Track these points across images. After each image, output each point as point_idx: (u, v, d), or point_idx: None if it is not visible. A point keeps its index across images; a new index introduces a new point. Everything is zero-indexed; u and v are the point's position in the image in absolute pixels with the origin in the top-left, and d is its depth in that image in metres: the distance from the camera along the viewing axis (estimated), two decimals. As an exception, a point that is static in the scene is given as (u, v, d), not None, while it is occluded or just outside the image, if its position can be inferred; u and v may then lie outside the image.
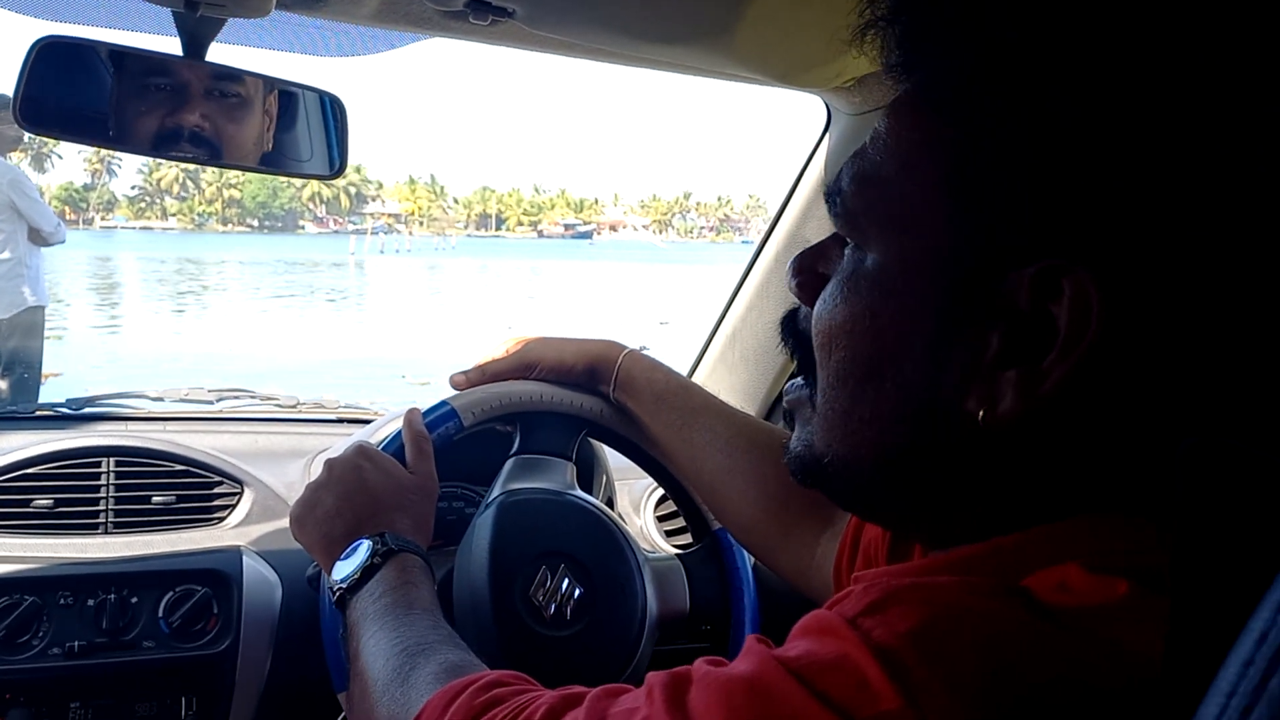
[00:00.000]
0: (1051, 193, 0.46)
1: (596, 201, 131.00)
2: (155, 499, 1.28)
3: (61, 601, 1.14)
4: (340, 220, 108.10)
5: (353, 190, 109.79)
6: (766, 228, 1.47)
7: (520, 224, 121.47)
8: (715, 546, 1.17)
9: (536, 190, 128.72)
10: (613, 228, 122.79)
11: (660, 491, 1.43)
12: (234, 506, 1.31)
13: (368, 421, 1.54)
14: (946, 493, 0.52)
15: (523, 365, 1.15)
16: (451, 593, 1.04)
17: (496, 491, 1.09)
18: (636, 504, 1.45)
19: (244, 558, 1.22)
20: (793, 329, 0.62)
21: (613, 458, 1.33)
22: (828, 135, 1.34)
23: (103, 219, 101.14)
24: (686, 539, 1.28)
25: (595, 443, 1.32)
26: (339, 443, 1.38)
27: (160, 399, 1.63)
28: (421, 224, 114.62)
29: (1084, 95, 0.45)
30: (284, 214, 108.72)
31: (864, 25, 0.53)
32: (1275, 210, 0.44)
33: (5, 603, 1.12)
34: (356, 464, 0.99)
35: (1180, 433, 0.37)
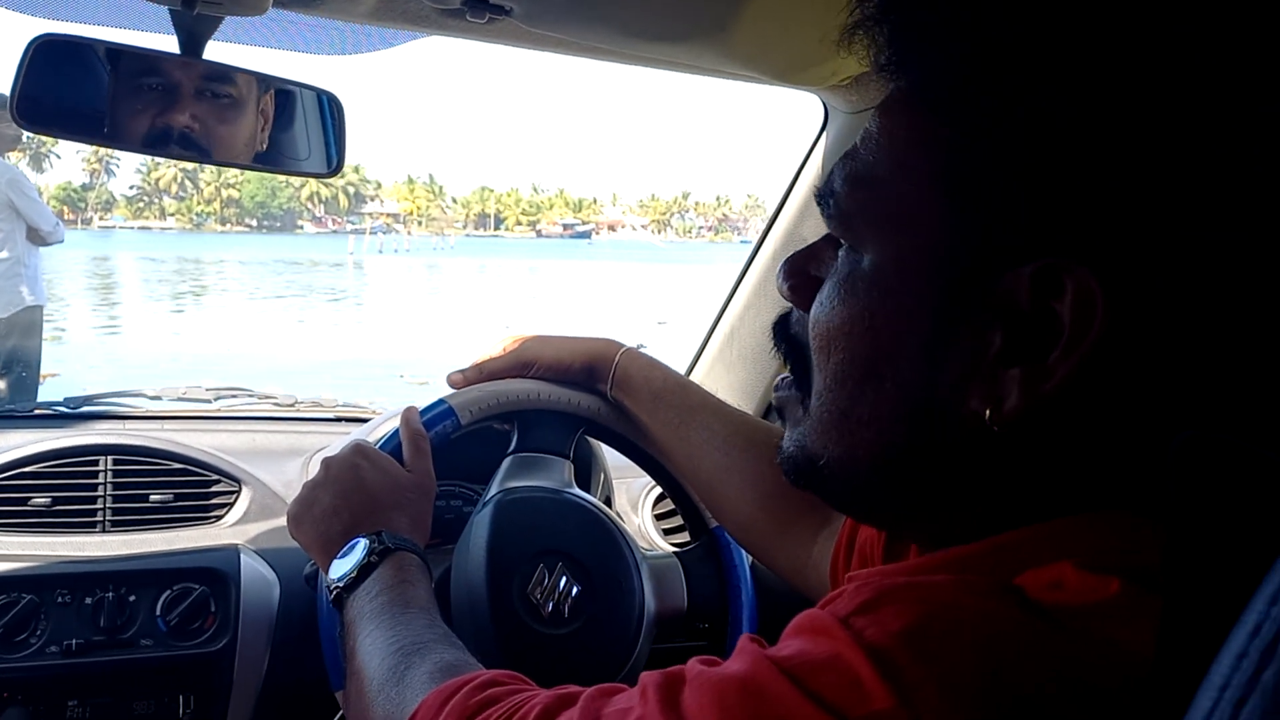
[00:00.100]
0: (1048, 190, 0.45)
1: (595, 201, 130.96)
2: (153, 497, 1.28)
3: (59, 600, 1.14)
4: (339, 220, 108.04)
5: (351, 190, 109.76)
6: (764, 227, 1.47)
7: (519, 224, 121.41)
8: (713, 545, 1.17)
9: (535, 190, 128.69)
10: (611, 227, 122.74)
11: (658, 490, 1.43)
12: (232, 505, 1.31)
13: (365, 420, 1.54)
14: (943, 492, 0.52)
15: (520, 363, 1.15)
16: (449, 591, 1.04)
17: (494, 490, 1.09)
18: (634, 502, 1.45)
19: (242, 556, 1.22)
20: (785, 333, 0.62)
21: (611, 456, 1.33)
22: (825, 134, 1.34)
23: (101, 219, 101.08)
24: (684, 537, 1.28)
25: (593, 441, 1.32)
26: (337, 441, 1.38)
27: (158, 398, 1.63)
28: (420, 224, 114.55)
29: (1078, 91, 0.45)
30: (282, 214, 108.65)
31: (853, 24, 0.53)
32: (1272, 203, 0.44)
33: (3, 601, 1.12)
34: (354, 462, 0.99)
35: (1180, 429, 0.38)
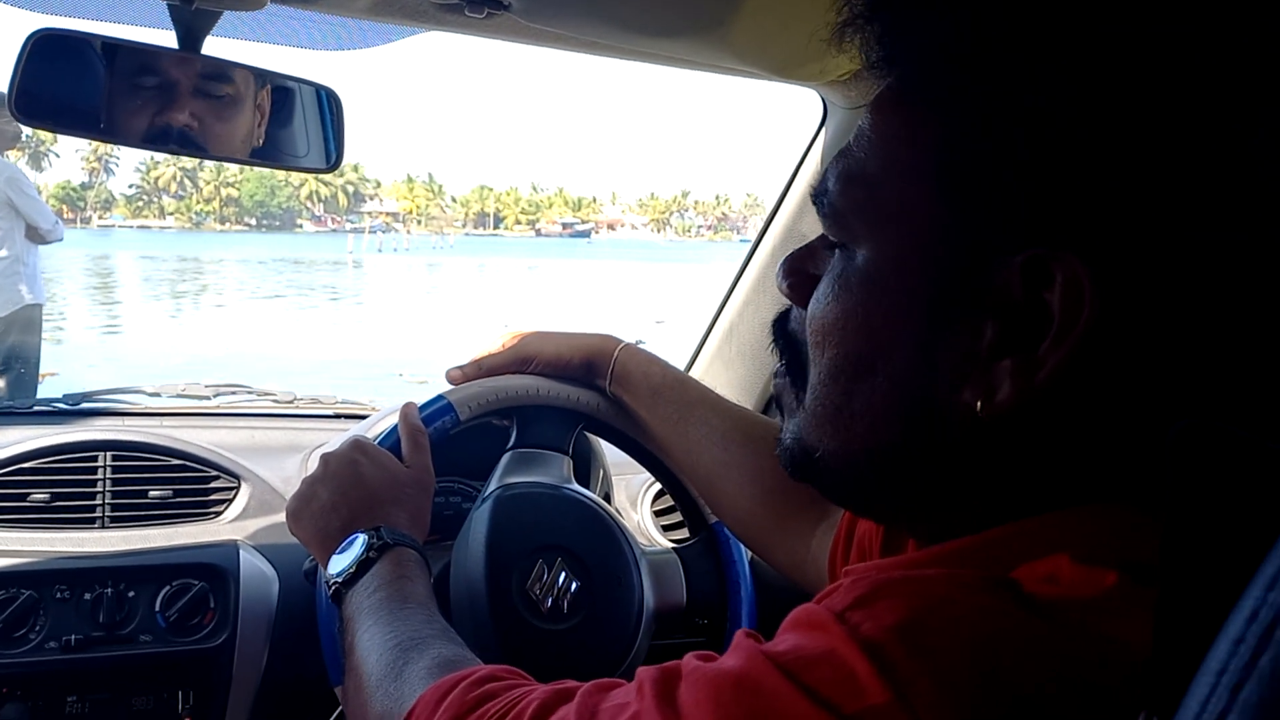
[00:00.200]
0: (1037, 181, 0.46)
1: (594, 200, 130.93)
2: (152, 493, 1.28)
3: (58, 595, 1.14)
4: (338, 219, 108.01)
5: (350, 189, 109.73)
6: (763, 223, 1.47)
7: (518, 223, 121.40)
8: (712, 540, 1.17)
9: (534, 189, 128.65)
10: (610, 226, 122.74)
11: (657, 486, 1.44)
12: (231, 501, 1.31)
13: (364, 417, 1.54)
14: (940, 486, 0.52)
15: (519, 359, 1.15)
16: (449, 587, 1.04)
17: (493, 485, 1.09)
18: (633, 499, 1.45)
19: (241, 552, 1.23)
20: (783, 331, 0.62)
21: (610, 452, 1.33)
22: (824, 129, 1.34)
23: (100, 218, 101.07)
24: (683, 533, 1.28)
25: (592, 437, 1.32)
26: (336, 438, 1.38)
27: (157, 395, 1.63)
28: (419, 223, 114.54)
29: (1065, 84, 0.45)
30: (282, 213, 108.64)
31: (843, 22, 0.53)
32: (1262, 190, 0.44)
33: (2, 597, 1.12)
34: (352, 458, 0.99)
35: (1172, 419, 0.38)
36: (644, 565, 1.09)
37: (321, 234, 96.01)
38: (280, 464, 1.40)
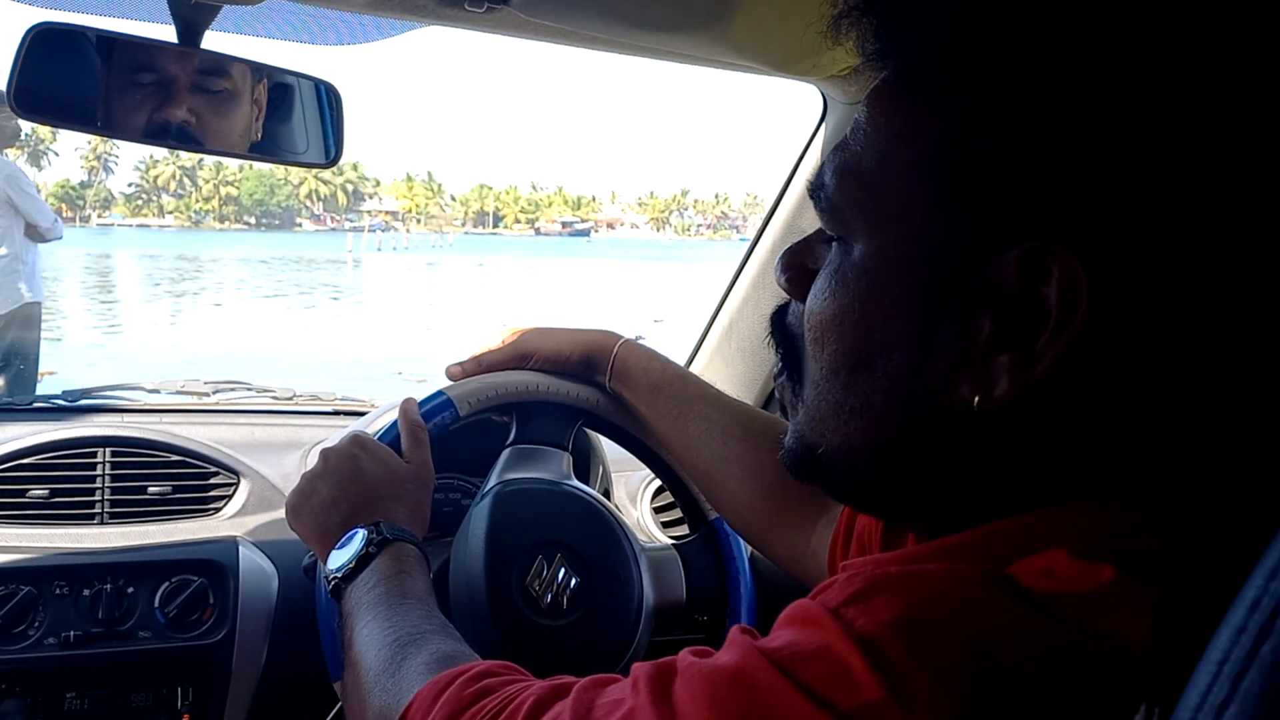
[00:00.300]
0: (1035, 178, 0.45)
1: (594, 199, 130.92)
2: (151, 489, 1.28)
3: (57, 591, 1.14)
4: (337, 218, 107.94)
5: (350, 188, 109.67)
6: (763, 219, 1.47)
7: (518, 221, 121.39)
8: (712, 536, 1.17)
9: (534, 188, 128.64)
10: (610, 225, 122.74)
11: (657, 483, 1.43)
12: (230, 497, 1.31)
13: (363, 414, 1.54)
14: (939, 481, 0.52)
15: (519, 355, 1.15)
16: (448, 583, 1.04)
17: (493, 481, 1.09)
18: (633, 495, 1.45)
19: (240, 548, 1.23)
20: (780, 325, 0.62)
21: (610, 449, 1.33)
22: (824, 125, 1.34)
23: (99, 216, 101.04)
24: (683, 530, 1.28)
25: (592, 434, 1.32)
26: (335, 434, 1.38)
27: (156, 391, 1.64)
28: (419, 221, 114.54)
29: (1064, 81, 0.45)
30: (281, 211, 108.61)
31: (840, 14, 0.53)
32: (1262, 189, 0.44)
33: (1, 593, 1.12)
34: (352, 453, 0.99)
35: (1170, 412, 0.37)
36: (644, 561, 1.09)
37: (321, 233, 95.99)
38: (279, 460, 1.40)
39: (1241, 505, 0.34)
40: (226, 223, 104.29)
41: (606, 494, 1.35)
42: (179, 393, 1.64)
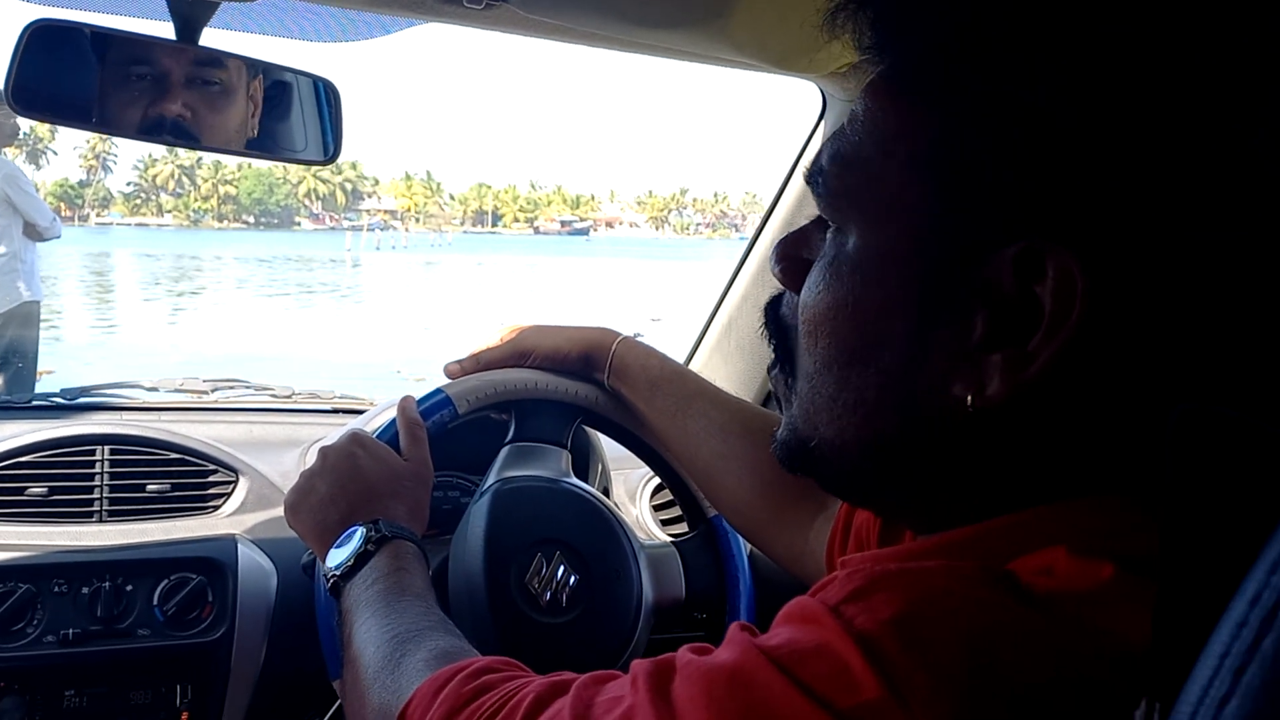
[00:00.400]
0: (1031, 173, 0.45)
1: (593, 198, 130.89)
2: (150, 487, 1.28)
3: (56, 589, 1.14)
4: (336, 217, 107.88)
5: (349, 187, 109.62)
6: (762, 215, 1.47)
7: (516, 220, 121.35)
8: (711, 534, 1.17)
9: (533, 187, 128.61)
10: (609, 224, 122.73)
11: (656, 481, 1.43)
12: (229, 495, 1.31)
13: (362, 412, 1.54)
14: (935, 478, 0.52)
15: (517, 353, 1.14)
16: (447, 581, 1.04)
17: (492, 479, 1.09)
18: (632, 493, 1.45)
19: (239, 546, 1.23)
20: (774, 315, 0.62)
21: (609, 448, 1.33)
22: (823, 122, 1.34)
23: (98, 215, 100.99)
24: (682, 528, 1.28)
25: (591, 432, 1.32)
26: (334, 432, 1.38)
27: (155, 389, 1.63)
28: (418, 220, 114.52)
29: (1057, 73, 0.45)
30: (280, 210, 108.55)
31: (836, 7, 0.52)
32: (1262, 190, 0.44)
33: (0, 590, 1.11)
34: (350, 451, 0.99)
35: (1166, 410, 0.37)
36: (643, 559, 1.09)
37: (320, 232, 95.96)
38: (278, 458, 1.40)
39: (1241, 500, 0.34)
40: (225, 222, 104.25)
41: (605, 492, 1.35)
42: (178, 391, 1.64)
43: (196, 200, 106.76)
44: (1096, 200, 0.44)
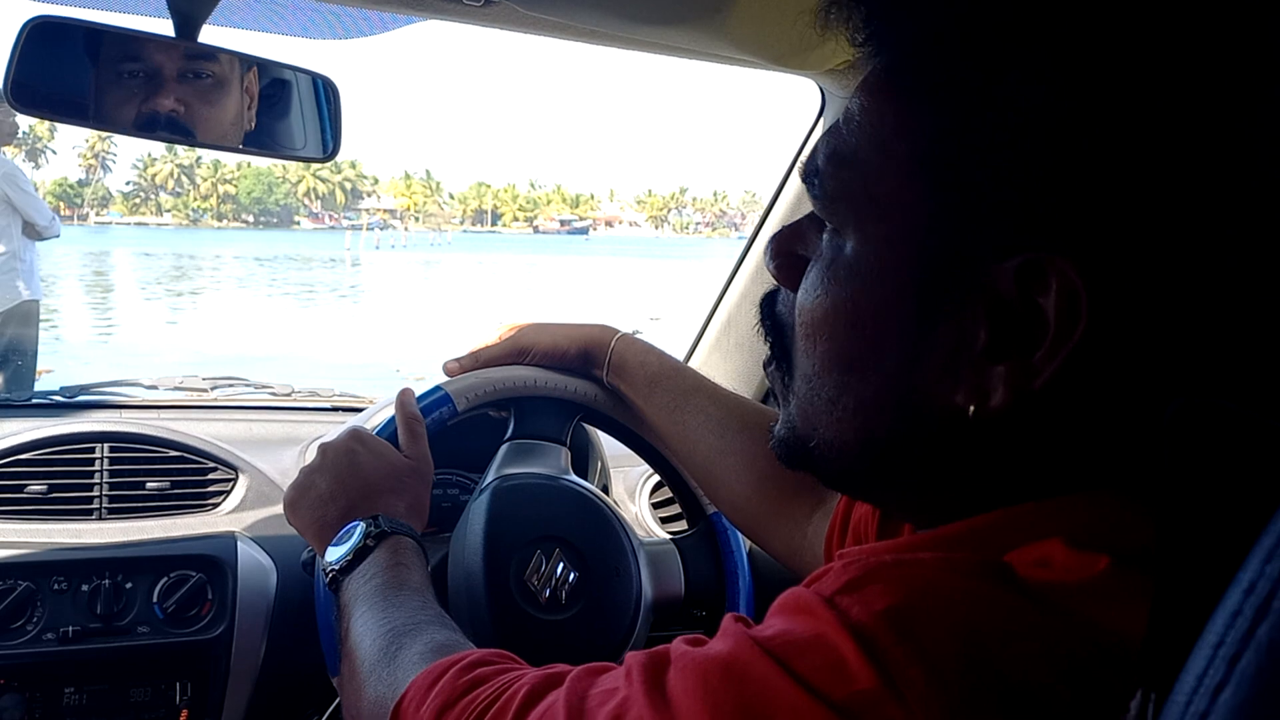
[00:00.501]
0: (1029, 179, 0.45)
1: (592, 197, 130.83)
2: (149, 485, 1.28)
3: (55, 587, 1.14)
4: (336, 216, 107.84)
5: (348, 186, 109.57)
6: (761, 213, 1.47)
7: (516, 220, 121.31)
8: (710, 531, 1.17)
9: (532, 186, 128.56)
10: (608, 223, 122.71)
11: (655, 479, 1.43)
12: (228, 493, 1.31)
13: (361, 410, 1.54)
14: (933, 476, 0.52)
15: (516, 350, 1.15)
16: (446, 578, 1.04)
17: (491, 476, 1.09)
18: (631, 491, 1.45)
19: (239, 543, 1.23)
20: (770, 312, 0.61)
21: (608, 445, 1.33)
22: (822, 119, 1.34)
23: (97, 214, 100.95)
24: (681, 525, 1.28)
25: (590, 429, 1.32)
26: (333, 430, 1.38)
27: (154, 387, 1.63)
28: (417, 219, 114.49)
29: (1056, 70, 0.44)
30: (279, 209, 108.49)
31: (829, 1, 0.52)
32: (1260, 187, 0.43)
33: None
34: (350, 448, 0.99)
35: (1164, 405, 0.37)
36: (642, 556, 1.09)
37: (319, 231, 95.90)
38: (278, 456, 1.40)
39: (1237, 490, 0.34)
40: (224, 221, 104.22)
41: (605, 489, 1.35)
42: (177, 389, 1.64)
43: (196, 199, 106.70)
44: (1098, 209, 0.44)
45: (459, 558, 1.03)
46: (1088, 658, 0.42)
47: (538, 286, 25.57)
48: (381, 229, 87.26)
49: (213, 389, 1.64)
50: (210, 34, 0.95)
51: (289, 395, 1.65)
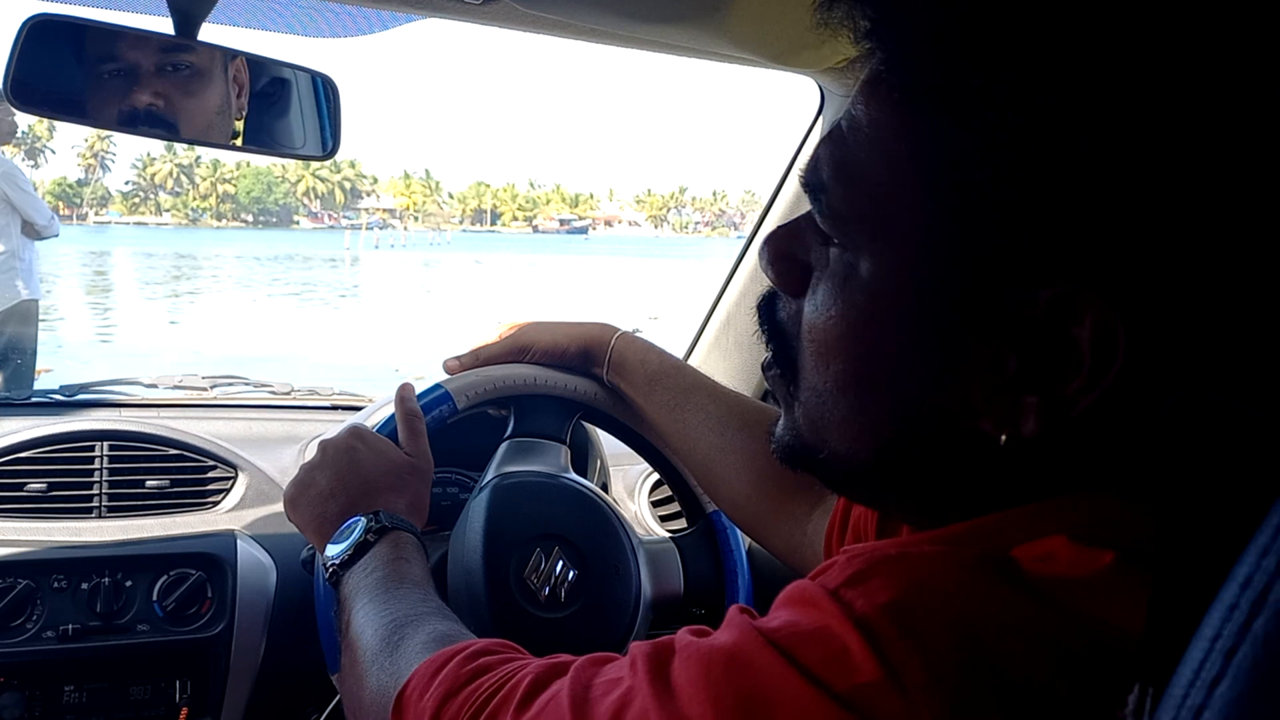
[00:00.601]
0: (1030, 182, 0.44)
1: (592, 196, 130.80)
2: (149, 483, 1.28)
3: (55, 585, 1.14)
4: (335, 215, 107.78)
5: (347, 185, 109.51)
6: (760, 212, 1.47)
7: (515, 219, 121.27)
8: (709, 529, 1.17)
9: (532, 185, 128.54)
10: (608, 223, 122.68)
11: (655, 477, 1.44)
12: (228, 491, 1.31)
13: (361, 408, 1.54)
14: (941, 486, 0.51)
15: (516, 349, 1.15)
16: (446, 576, 1.04)
17: (491, 474, 1.09)
18: (631, 489, 1.45)
19: (238, 542, 1.23)
20: (770, 317, 0.59)
21: (608, 443, 1.33)
22: (821, 118, 1.34)
23: (96, 214, 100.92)
24: (681, 523, 1.28)
25: (590, 427, 1.32)
26: (333, 428, 1.38)
27: (154, 386, 1.63)
28: (416, 219, 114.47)
29: (1060, 80, 0.43)
30: (278, 209, 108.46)
31: (828, 2, 0.50)
32: (1257, 189, 0.43)
33: (-1, 586, 1.12)
34: (350, 445, 0.99)
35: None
36: (641, 554, 1.09)
37: (319, 230, 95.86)
38: (277, 454, 1.40)
39: (1235, 485, 0.34)
40: (224, 220, 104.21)
41: (604, 487, 1.35)
42: (177, 388, 1.64)
43: (195, 199, 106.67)
44: (1126, 241, 0.43)
45: (459, 555, 1.03)
46: (1085, 652, 0.42)
47: (537, 286, 25.56)
48: (381, 228, 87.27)
49: (212, 388, 1.65)
50: (209, 33, 0.95)
51: (288, 394, 1.65)
